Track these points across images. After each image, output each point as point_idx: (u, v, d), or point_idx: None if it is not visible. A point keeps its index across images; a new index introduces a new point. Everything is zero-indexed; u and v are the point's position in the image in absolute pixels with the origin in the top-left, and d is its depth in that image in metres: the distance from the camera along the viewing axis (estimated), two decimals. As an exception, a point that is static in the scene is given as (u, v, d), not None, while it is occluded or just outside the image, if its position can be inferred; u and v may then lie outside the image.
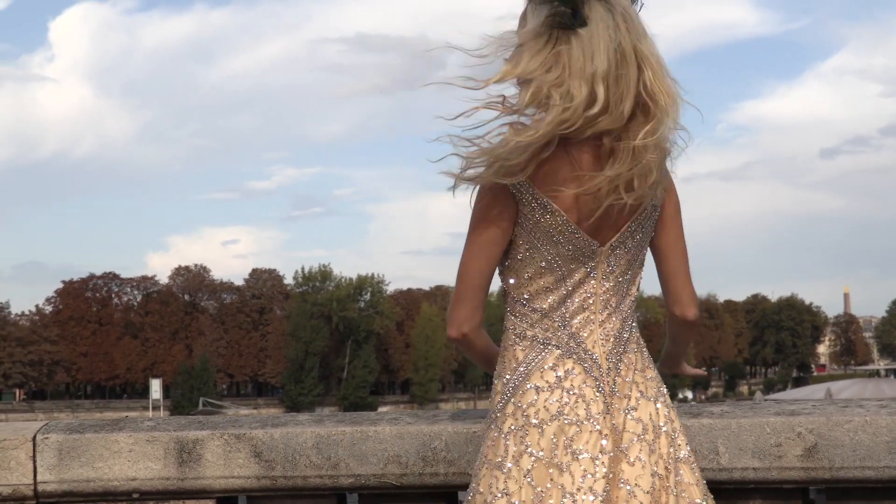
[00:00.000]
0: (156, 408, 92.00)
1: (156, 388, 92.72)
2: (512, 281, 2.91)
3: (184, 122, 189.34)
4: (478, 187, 2.81)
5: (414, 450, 3.53)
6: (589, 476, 2.73)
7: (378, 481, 3.56)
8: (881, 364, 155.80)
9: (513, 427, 2.81)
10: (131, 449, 3.68)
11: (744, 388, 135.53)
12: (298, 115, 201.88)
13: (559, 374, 2.85)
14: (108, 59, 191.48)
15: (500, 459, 2.79)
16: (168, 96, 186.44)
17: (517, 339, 2.90)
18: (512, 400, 2.84)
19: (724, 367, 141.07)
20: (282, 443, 3.61)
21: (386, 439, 3.55)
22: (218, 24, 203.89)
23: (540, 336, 2.88)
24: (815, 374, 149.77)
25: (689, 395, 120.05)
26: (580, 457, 2.75)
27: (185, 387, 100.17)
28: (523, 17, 2.85)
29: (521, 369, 2.87)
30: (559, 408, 2.80)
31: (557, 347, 2.87)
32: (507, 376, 2.88)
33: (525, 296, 2.90)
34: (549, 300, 2.89)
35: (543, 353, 2.87)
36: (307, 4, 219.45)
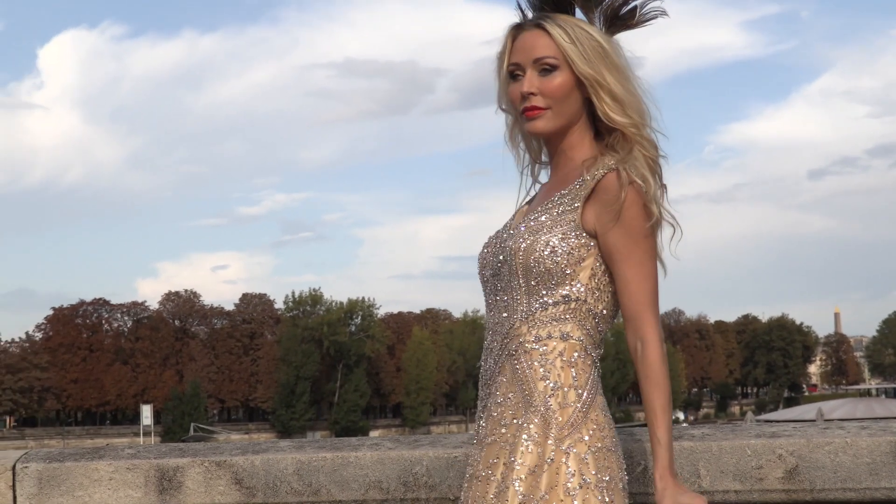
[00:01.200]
0: (147, 434, 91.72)
1: (147, 414, 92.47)
2: (595, 293, 2.84)
3: (173, 149, 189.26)
4: (641, 208, 2.79)
5: (395, 475, 3.51)
6: None
7: (359, 507, 3.54)
8: (872, 383, 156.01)
9: (609, 447, 2.77)
10: (111, 477, 3.66)
11: (735, 409, 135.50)
12: (288, 140, 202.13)
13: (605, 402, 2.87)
14: (96, 86, 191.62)
15: (616, 479, 2.75)
16: (157, 123, 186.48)
17: (584, 354, 2.82)
18: (591, 416, 2.77)
19: (715, 387, 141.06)
20: (262, 469, 3.59)
21: (367, 465, 3.53)
22: (207, 51, 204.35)
23: (596, 360, 2.85)
24: (806, 393, 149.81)
25: (681, 415, 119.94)
26: None
27: (176, 413, 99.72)
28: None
29: (591, 387, 2.81)
30: (613, 437, 2.81)
31: (598, 376, 2.86)
32: (580, 391, 2.78)
33: (599, 313, 2.85)
34: (607, 328, 2.89)
35: (598, 377, 2.85)
36: (296, 30, 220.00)
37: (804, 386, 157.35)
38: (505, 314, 2.87)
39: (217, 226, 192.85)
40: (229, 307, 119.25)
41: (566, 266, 2.80)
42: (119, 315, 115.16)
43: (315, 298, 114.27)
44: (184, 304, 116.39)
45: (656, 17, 2.95)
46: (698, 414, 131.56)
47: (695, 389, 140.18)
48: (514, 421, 2.78)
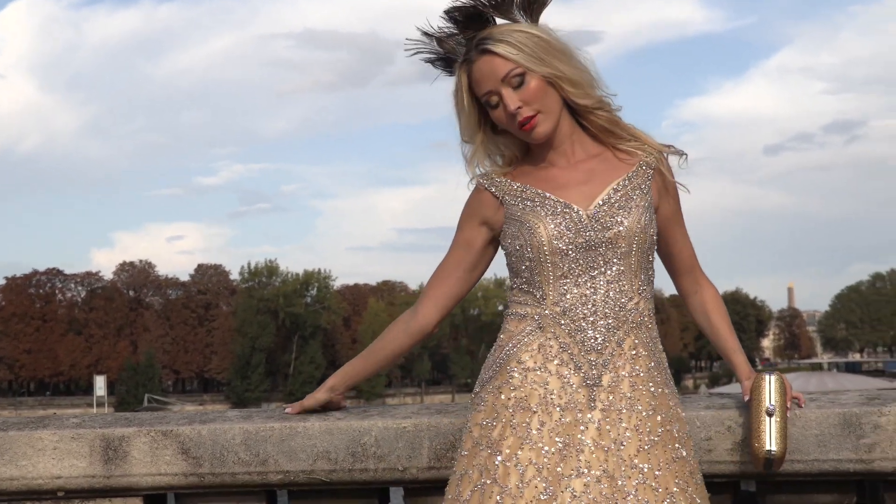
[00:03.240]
0: (100, 405, 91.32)
1: (100, 384, 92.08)
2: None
3: (130, 118, 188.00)
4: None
5: (343, 446, 3.49)
6: None
7: (307, 478, 3.52)
8: (824, 358, 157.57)
9: None
10: (56, 446, 3.61)
11: (689, 382, 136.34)
12: (246, 110, 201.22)
13: None
14: (53, 54, 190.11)
15: None
16: (114, 91, 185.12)
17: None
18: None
19: (669, 361, 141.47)
20: (209, 439, 3.56)
21: (315, 435, 3.51)
22: (165, 19, 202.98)
23: None
24: (759, 367, 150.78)
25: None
26: None
27: (131, 383, 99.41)
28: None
29: None
30: None
31: None
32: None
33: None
34: None
35: None
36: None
37: (757, 360, 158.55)
38: (614, 290, 3.00)
39: (174, 196, 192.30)
40: (184, 278, 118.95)
41: (655, 241, 3.12)
42: (73, 285, 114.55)
43: (271, 270, 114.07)
44: (138, 275, 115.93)
45: None
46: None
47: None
48: (656, 391, 3.03)
